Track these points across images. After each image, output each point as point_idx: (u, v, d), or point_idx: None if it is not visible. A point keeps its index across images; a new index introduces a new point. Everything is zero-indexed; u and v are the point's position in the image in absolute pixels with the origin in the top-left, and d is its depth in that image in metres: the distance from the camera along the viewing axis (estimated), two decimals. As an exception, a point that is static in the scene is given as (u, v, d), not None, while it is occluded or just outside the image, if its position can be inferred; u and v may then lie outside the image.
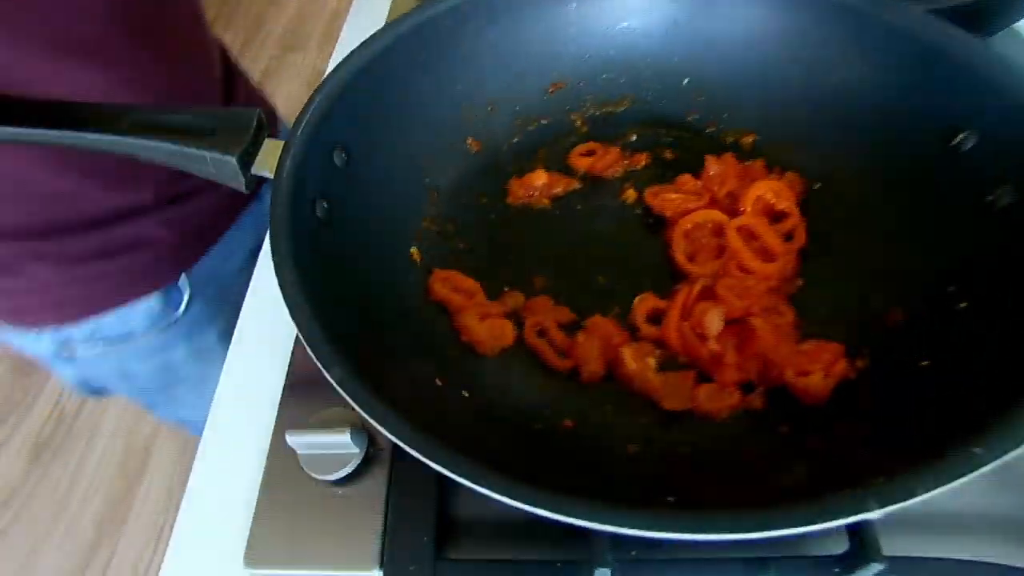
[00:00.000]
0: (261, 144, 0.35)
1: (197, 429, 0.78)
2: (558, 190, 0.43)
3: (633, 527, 0.21)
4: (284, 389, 0.40)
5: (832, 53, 0.42)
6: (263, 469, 0.38)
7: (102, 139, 0.35)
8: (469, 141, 0.44)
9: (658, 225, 0.42)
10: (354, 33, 0.72)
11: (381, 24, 0.64)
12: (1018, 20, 0.52)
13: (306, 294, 0.28)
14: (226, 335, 0.64)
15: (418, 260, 0.40)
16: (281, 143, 0.35)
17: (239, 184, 0.35)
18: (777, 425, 0.33)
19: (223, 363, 0.63)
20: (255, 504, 0.36)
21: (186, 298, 0.64)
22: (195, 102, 0.60)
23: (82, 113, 0.35)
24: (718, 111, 0.46)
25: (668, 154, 0.45)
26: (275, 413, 0.39)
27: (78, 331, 0.60)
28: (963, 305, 0.33)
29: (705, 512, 0.22)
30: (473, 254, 0.41)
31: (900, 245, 0.38)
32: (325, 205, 0.35)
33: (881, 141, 0.40)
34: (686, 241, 0.40)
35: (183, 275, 0.63)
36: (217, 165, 0.34)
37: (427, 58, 0.42)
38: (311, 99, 0.36)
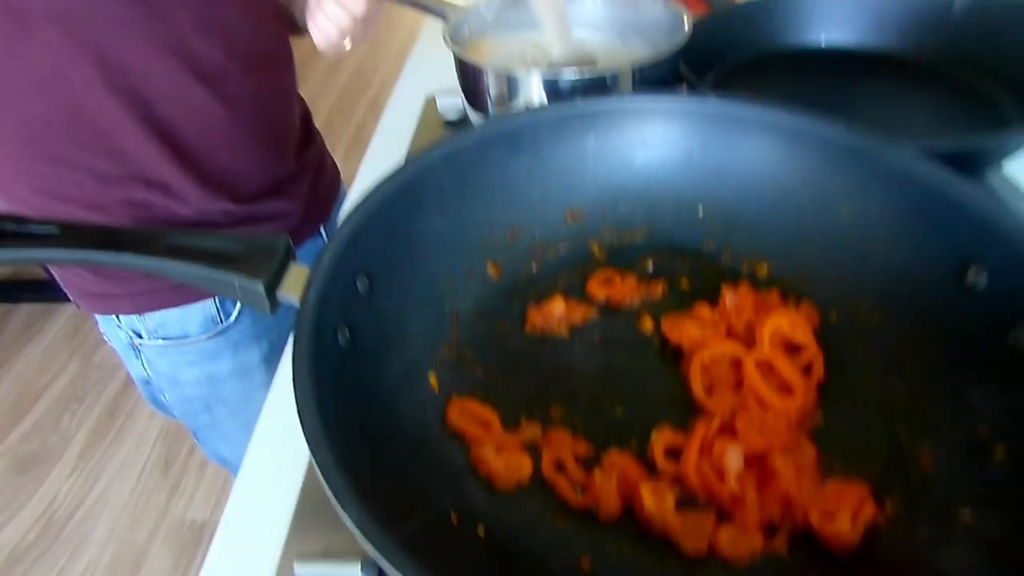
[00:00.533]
0: (287, 270, 0.36)
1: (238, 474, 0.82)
2: (576, 319, 0.44)
3: None
4: (295, 508, 0.39)
5: (840, 189, 0.43)
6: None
7: (138, 261, 0.36)
8: (489, 267, 0.45)
9: (676, 356, 0.42)
10: (378, 152, 0.77)
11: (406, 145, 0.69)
12: (1000, 161, 0.55)
13: (325, 428, 0.28)
14: (268, 360, 0.77)
15: (436, 387, 0.40)
16: (306, 270, 0.36)
17: (264, 309, 0.36)
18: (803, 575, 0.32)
19: (263, 389, 0.68)
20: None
21: (237, 308, 0.71)
22: (281, 138, 0.70)
23: (122, 237, 0.37)
24: (733, 240, 0.47)
25: (684, 282, 0.46)
26: (285, 535, 0.38)
27: (146, 324, 0.68)
28: (1000, 453, 0.32)
29: None
30: (490, 382, 0.41)
31: (922, 381, 0.37)
32: (347, 333, 0.35)
33: (895, 275, 0.40)
34: (704, 374, 0.40)
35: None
36: (244, 290, 0.35)
37: (451, 187, 0.44)
38: (339, 230, 0.37)
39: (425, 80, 0.86)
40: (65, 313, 2.22)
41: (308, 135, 0.78)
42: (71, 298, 0.70)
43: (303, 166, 0.75)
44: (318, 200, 0.78)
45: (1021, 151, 0.52)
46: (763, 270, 0.45)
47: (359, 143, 2.59)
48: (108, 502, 1.65)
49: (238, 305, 0.70)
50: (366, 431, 0.33)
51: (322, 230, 0.79)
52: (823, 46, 0.73)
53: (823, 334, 0.41)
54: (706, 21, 0.64)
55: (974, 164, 0.53)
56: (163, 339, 0.70)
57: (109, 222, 0.59)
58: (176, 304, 0.67)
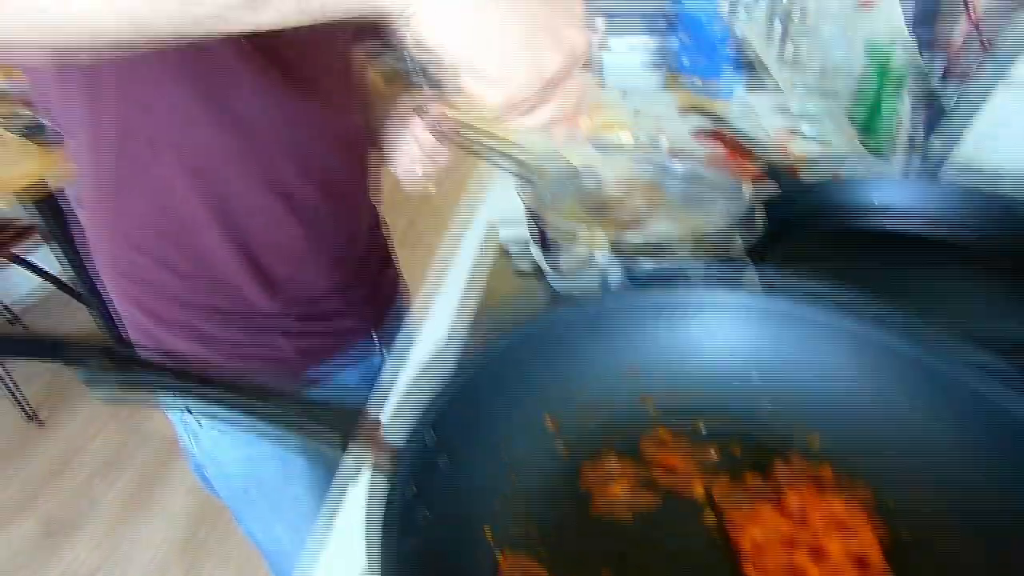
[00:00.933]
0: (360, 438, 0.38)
1: (265, 554, 0.90)
2: (629, 478, 0.45)
3: None
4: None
5: (917, 401, 0.43)
6: None
7: (231, 412, 0.39)
8: (548, 420, 0.47)
9: (726, 523, 0.42)
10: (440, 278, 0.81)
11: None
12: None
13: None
14: (306, 448, 0.77)
15: (491, 539, 0.41)
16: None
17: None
18: None
19: (299, 477, 0.81)
20: None
21: None
22: (348, 249, 0.76)
23: (220, 391, 0.40)
24: (785, 413, 0.48)
25: (736, 449, 0.47)
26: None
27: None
28: None
29: None
30: (541, 539, 0.42)
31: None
32: (415, 489, 0.37)
33: (964, 488, 0.40)
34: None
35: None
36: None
37: (530, 365, 0.47)
38: (423, 411, 0.40)
39: (488, 206, 0.92)
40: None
41: (375, 243, 0.85)
42: None
43: (365, 273, 0.80)
44: (375, 306, 0.84)
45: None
46: (815, 442, 0.46)
47: (408, 238, 2.70)
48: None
49: None
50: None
51: (374, 336, 0.84)
52: (888, 229, 0.75)
53: (894, 549, 0.39)
54: (775, 199, 0.68)
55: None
56: (209, 418, 0.73)
57: (184, 311, 0.68)
58: None
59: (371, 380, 0.86)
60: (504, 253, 0.81)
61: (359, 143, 0.76)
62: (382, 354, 0.86)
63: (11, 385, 2.03)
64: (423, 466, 0.38)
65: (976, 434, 0.40)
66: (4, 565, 1.67)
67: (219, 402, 0.39)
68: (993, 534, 0.38)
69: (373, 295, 0.83)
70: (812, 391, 0.48)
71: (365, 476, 0.36)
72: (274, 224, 0.66)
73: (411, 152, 0.77)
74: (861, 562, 0.39)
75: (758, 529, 0.41)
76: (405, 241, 2.67)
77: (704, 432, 0.48)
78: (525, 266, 0.78)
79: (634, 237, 0.65)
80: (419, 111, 0.77)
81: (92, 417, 2.11)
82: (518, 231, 0.80)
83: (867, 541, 0.40)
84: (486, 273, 0.79)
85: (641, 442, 0.47)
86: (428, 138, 0.74)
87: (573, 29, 0.37)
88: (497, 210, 0.91)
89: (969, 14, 0.76)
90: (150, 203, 0.62)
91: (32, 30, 0.34)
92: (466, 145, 0.73)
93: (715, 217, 0.66)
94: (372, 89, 0.82)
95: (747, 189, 0.61)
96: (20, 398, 2.05)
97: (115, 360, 0.39)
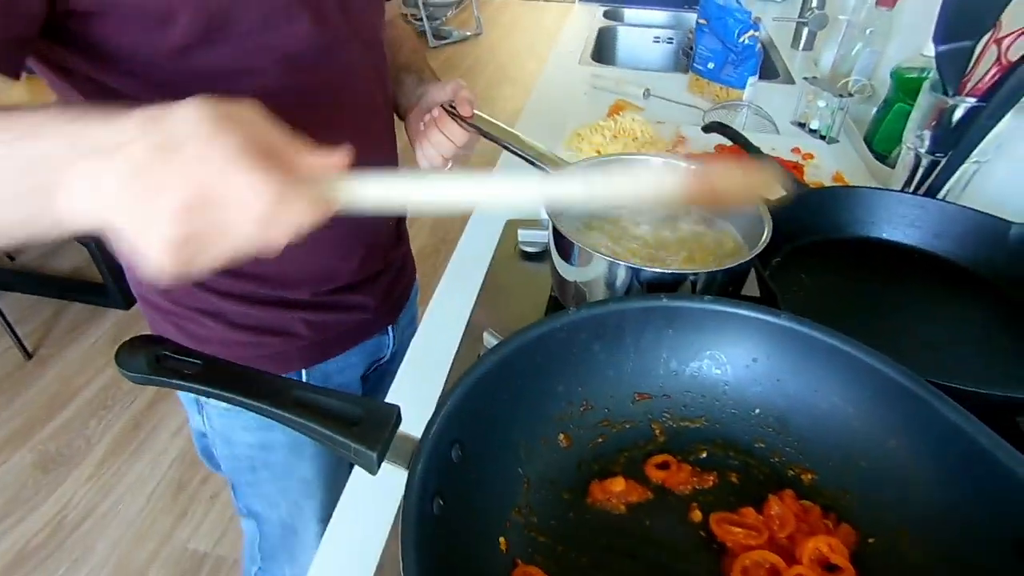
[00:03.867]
0: (395, 435, 0.41)
1: (262, 529, 0.93)
2: (633, 498, 0.48)
3: None
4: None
5: (890, 423, 0.47)
6: None
7: (266, 407, 0.41)
8: (561, 437, 0.50)
9: (720, 550, 0.46)
10: (455, 274, 0.82)
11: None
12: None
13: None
14: (317, 447, 0.81)
15: (505, 550, 0.44)
16: (410, 437, 0.41)
17: (371, 471, 0.41)
18: None
19: (311, 460, 0.84)
20: None
21: None
22: (375, 239, 0.78)
23: (256, 382, 0.42)
24: (783, 445, 0.51)
25: (734, 478, 0.50)
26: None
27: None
28: None
29: None
30: (550, 550, 0.45)
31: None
32: (441, 502, 0.40)
33: (939, 521, 0.43)
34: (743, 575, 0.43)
35: (304, 370, 0.78)
36: (358, 453, 0.40)
37: (540, 363, 0.49)
38: (442, 402, 0.42)
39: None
40: (111, 319, 2.31)
41: (399, 236, 0.86)
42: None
43: (387, 266, 0.81)
44: (392, 299, 0.84)
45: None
46: (808, 478, 0.49)
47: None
48: (117, 515, 1.70)
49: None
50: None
51: (389, 329, 0.87)
52: (885, 239, 0.78)
53: (861, 558, 0.44)
54: (783, 203, 0.70)
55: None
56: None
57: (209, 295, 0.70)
58: None
59: (378, 367, 0.90)
60: (518, 245, 0.83)
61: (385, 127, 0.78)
62: (391, 342, 0.89)
63: (9, 323, 2.04)
64: (441, 457, 0.41)
65: (949, 465, 0.43)
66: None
67: (253, 410, 0.42)
68: (947, 552, 0.42)
69: (392, 287, 0.85)
70: (810, 428, 0.51)
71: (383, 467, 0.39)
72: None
73: (433, 137, 0.78)
74: (830, 566, 0.43)
75: (742, 529, 0.45)
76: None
77: (705, 458, 0.51)
78: (531, 248, 0.81)
79: (644, 240, 0.67)
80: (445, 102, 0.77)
81: (88, 356, 2.14)
82: (538, 232, 0.82)
83: (837, 549, 0.44)
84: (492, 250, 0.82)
85: (646, 464, 0.51)
86: (456, 129, 0.75)
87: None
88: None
89: (996, 34, 0.76)
90: None
91: None
92: (487, 134, 0.75)
93: (726, 223, 0.68)
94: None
95: (768, 222, 0.63)
96: (17, 336, 2.07)
97: (159, 361, 0.42)
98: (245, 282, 0.70)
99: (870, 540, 0.45)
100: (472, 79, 4.03)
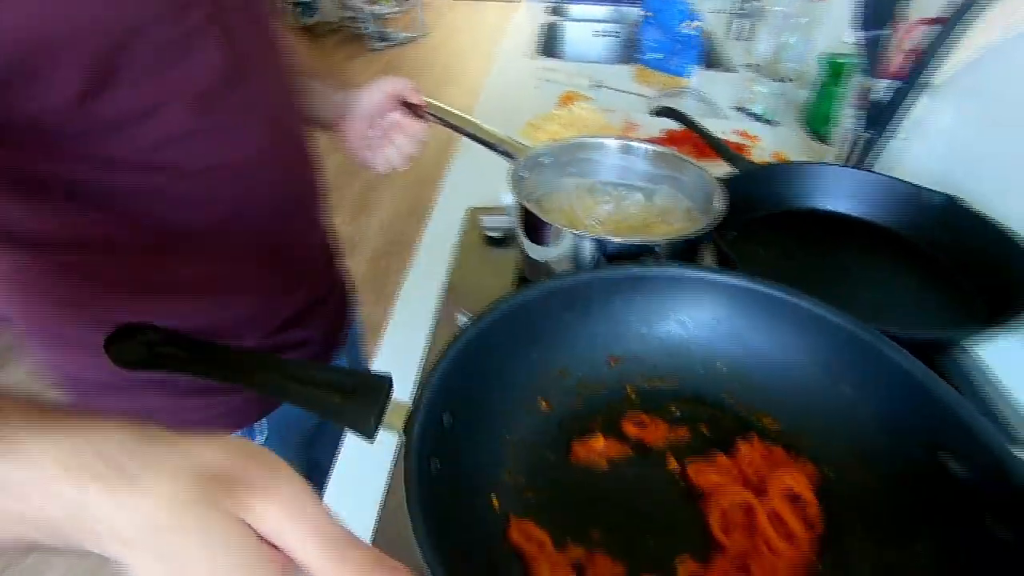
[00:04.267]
0: (388, 404, 0.43)
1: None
2: (613, 454, 0.51)
3: None
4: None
5: (843, 367, 0.51)
6: None
7: (264, 382, 0.43)
8: (541, 402, 0.53)
9: (697, 496, 0.49)
10: (423, 264, 0.84)
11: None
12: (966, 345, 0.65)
13: (430, 537, 0.35)
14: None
15: (497, 508, 0.46)
16: (403, 405, 0.43)
17: (368, 438, 0.42)
18: None
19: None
20: None
21: (264, 438, 0.72)
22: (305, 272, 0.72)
23: (248, 361, 0.44)
24: (747, 396, 0.55)
25: (704, 429, 0.54)
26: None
27: None
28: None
29: None
30: (541, 506, 0.48)
31: (908, 542, 0.44)
32: (437, 464, 0.42)
33: (883, 448, 0.48)
34: (721, 515, 0.47)
35: (264, 418, 0.72)
36: (355, 420, 0.42)
37: (516, 332, 0.51)
38: (433, 369, 0.45)
39: (464, 194, 0.96)
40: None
41: (329, 256, 0.81)
42: None
43: (328, 290, 0.78)
44: (338, 322, 0.82)
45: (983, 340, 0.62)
46: (771, 424, 0.54)
47: (366, 206, 2.69)
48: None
49: (264, 436, 0.72)
50: (451, 541, 0.39)
51: (342, 355, 0.83)
52: (827, 210, 0.84)
53: (821, 489, 0.48)
54: (732, 179, 0.75)
55: (946, 345, 0.63)
56: None
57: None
58: None
59: None
60: (482, 231, 0.86)
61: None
62: (343, 361, 0.85)
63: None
64: (434, 423, 0.43)
65: (894, 401, 0.48)
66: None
67: (250, 385, 0.43)
68: (888, 474, 0.48)
69: (336, 313, 0.81)
70: (769, 378, 0.55)
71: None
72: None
73: (396, 139, 0.78)
74: (796, 498, 0.48)
75: (716, 473, 0.49)
76: (363, 206, 2.67)
77: (677, 415, 0.55)
78: (496, 233, 0.83)
79: (603, 218, 0.71)
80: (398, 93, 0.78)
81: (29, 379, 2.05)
82: (500, 218, 0.85)
83: (802, 483, 0.48)
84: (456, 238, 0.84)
85: (623, 423, 0.54)
86: (417, 125, 0.75)
87: None
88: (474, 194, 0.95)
89: (909, 21, 0.83)
90: None
91: None
92: (447, 122, 0.77)
93: (682, 197, 0.73)
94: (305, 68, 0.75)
95: (720, 194, 0.67)
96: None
97: (152, 349, 0.42)
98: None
99: (827, 473, 0.50)
100: (417, 80, 4.02)
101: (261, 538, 0.27)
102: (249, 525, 0.27)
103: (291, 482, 0.29)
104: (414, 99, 0.77)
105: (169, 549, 0.27)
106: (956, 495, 0.43)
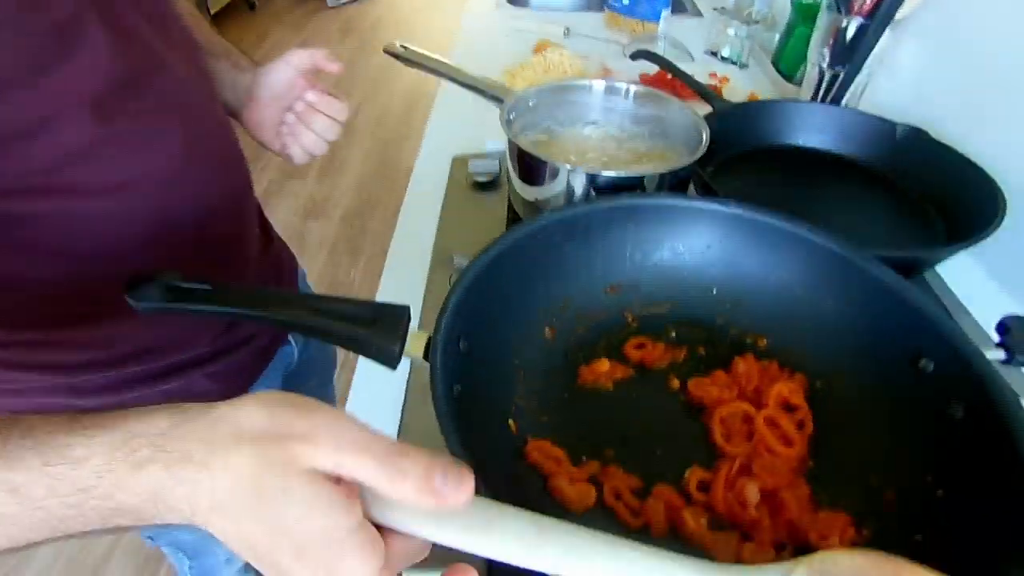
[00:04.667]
0: (408, 333, 0.45)
1: (187, 548, 0.83)
2: (618, 375, 0.54)
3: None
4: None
5: (825, 285, 0.55)
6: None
7: (285, 317, 0.44)
8: (546, 330, 0.55)
9: (698, 410, 0.52)
10: (412, 212, 0.85)
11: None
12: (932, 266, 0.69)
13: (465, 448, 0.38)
14: None
15: (515, 431, 0.49)
16: (421, 334, 0.45)
17: (392, 365, 0.44)
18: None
19: None
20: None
21: None
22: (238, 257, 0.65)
23: (269, 298, 0.45)
24: (739, 317, 0.58)
25: (701, 350, 0.57)
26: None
27: None
28: (940, 493, 0.44)
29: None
30: (555, 427, 0.50)
31: (886, 439, 0.49)
32: (458, 387, 0.44)
33: (865, 357, 0.52)
34: (722, 425, 0.51)
35: None
36: (379, 349, 0.43)
37: (520, 264, 0.53)
38: (448, 299, 0.46)
39: (447, 143, 0.96)
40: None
41: (267, 237, 0.74)
42: None
43: (268, 279, 0.72)
44: None
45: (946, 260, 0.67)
46: (763, 343, 0.57)
47: (333, 165, 2.64)
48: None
49: None
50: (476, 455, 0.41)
51: (290, 338, 0.78)
52: (800, 145, 0.88)
53: (812, 398, 0.52)
54: (708, 118, 0.77)
55: (913, 266, 0.67)
56: None
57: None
58: None
59: (289, 373, 0.81)
60: (468, 177, 0.86)
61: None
62: (295, 350, 0.81)
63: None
64: (452, 349, 0.44)
65: (874, 312, 0.52)
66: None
67: (273, 323, 0.44)
68: (872, 381, 0.52)
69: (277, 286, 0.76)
70: (759, 299, 0.58)
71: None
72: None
73: (315, 123, 0.69)
74: (790, 407, 0.51)
75: (716, 387, 0.52)
76: (330, 167, 2.62)
77: (675, 338, 0.58)
78: (483, 178, 0.85)
79: (591, 155, 0.73)
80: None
81: None
82: (487, 162, 0.86)
83: (795, 392, 0.52)
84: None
85: (624, 347, 0.57)
86: (328, 102, 0.68)
87: None
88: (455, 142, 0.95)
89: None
90: None
91: None
92: (430, 68, 0.77)
93: (666, 135, 0.75)
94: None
95: (705, 132, 0.69)
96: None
97: (172, 293, 0.43)
98: (143, 362, 0.59)
99: (817, 384, 0.53)
100: (378, 37, 3.92)
101: (326, 476, 0.29)
102: (313, 470, 0.28)
103: (326, 416, 0.30)
104: (331, 69, 0.69)
105: (256, 513, 0.28)
106: (926, 390, 0.48)
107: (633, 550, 0.32)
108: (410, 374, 0.63)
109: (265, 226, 0.74)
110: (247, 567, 0.93)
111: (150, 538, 0.80)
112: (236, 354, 0.66)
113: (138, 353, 0.58)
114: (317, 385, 0.93)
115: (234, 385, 0.68)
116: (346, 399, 0.61)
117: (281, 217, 2.33)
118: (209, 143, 0.58)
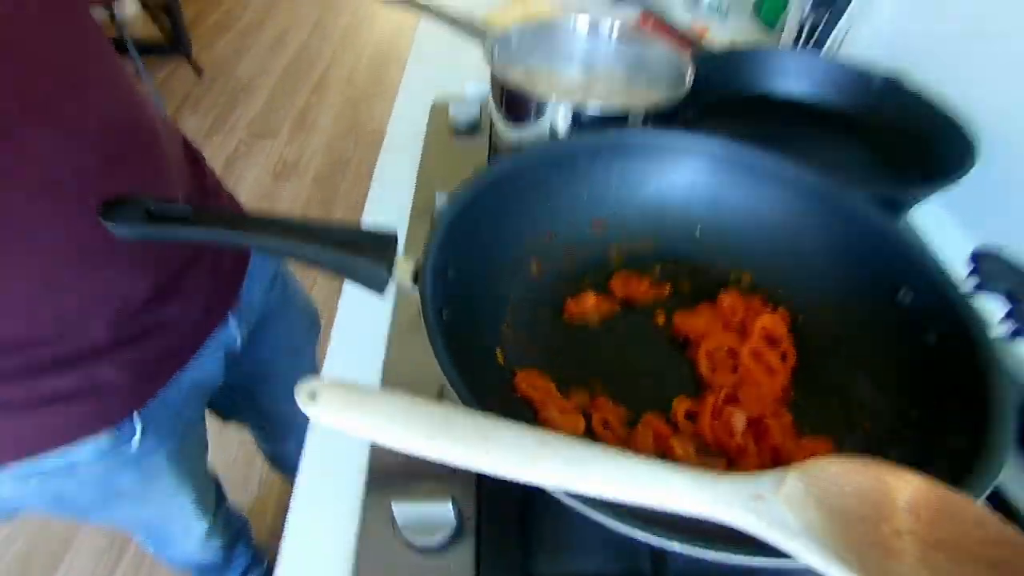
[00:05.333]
0: (396, 258, 0.44)
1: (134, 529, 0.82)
2: (604, 309, 0.54)
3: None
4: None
5: (810, 220, 0.55)
6: (357, 535, 0.44)
7: (269, 241, 0.42)
8: (533, 264, 0.55)
9: (684, 344, 0.53)
10: (391, 158, 0.83)
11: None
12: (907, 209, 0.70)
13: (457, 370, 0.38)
14: (176, 454, 0.71)
15: (503, 362, 0.49)
16: (408, 258, 0.44)
17: (380, 291, 0.43)
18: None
19: (167, 478, 0.71)
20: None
21: (139, 434, 0.63)
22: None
23: (250, 222, 0.43)
24: (724, 253, 0.58)
25: (686, 286, 0.57)
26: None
27: (10, 470, 0.58)
28: (914, 414, 0.45)
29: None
30: (542, 359, 0.50)
31: (864, 368, 0.49)
32: (448, 312, 0.43)
33: (846, 291, 0.53)
34: (708, 358, 0.51)
35: (135, 413, 0.62)
36: (369, 273, 0.42)
37: (508, 195, 0.53)
38: (437, 225, 0.45)
39: (424, 89, 0.93)
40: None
41: (202, 190, 0.64)
42: None
43: (195, 252, 0.62)
44: (222, 274, 0.68)
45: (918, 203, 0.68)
46: (747, 279, 0.57)
47: (304, 125, 2.57)
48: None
49: (139, 431, 0.63)
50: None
51: (229, 316, 0.71)
52: (779, 93, 0.87)
53: (795, 331, 0.53)
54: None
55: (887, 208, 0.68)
56: (40, 476, 0.59)
57: None
58: (49, 449, 0.57)
59: (231, 355, 0.75)
60: (449, 122, 0.85)
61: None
62: (238, 332, 0.74)
63: None
64: (441, 275, 0.44)
65: (856, 246, 0.53)
66: None
67: (258, 248, 0.43)
68: (853, 313, 0.53)
69: (216, 268, 0.66)
70: (743, 236, 0.58)
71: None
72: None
73: None
74: (774, 339, 0.52)
75: (701, 321, 0.52)
76: (301, 126, 2.55)
77: (660, 273, 0.58)
78: (464, 126, 0.83)
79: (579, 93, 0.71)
80: None
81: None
82: (467, 106, 0.84)
83: (778, 325, 0.52)
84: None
85: (610, 283, 0.56)
86: None
87: None
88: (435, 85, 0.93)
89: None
90: None
91: None
92: (417, 4, 0.75)
93: (650, 74, 0.74)
94: None
95: (690, 70, 0.68)
96: None
97: (151, 216, 0.41)
98: (12, 355, 0.53)
99: (800, 318, 0.54)
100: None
101: None
102: None
103: None
104: None
105: None
106: (903, 320, 0.49)
107: (632, 460, 0.32)
108: (395, 309, 0.62)
109: (206, 185, 0.64)
110: (208, 535, 0.91)
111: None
112: (150, 339, 0.60)
113: (19, 344, 0.53)
114: (286, 357, 0.90)
115: (150, 373, 0.62)
116: (328, 336, 0.60)
117: (252, 178, 2.27)
118: (130, 154, 0.54)
